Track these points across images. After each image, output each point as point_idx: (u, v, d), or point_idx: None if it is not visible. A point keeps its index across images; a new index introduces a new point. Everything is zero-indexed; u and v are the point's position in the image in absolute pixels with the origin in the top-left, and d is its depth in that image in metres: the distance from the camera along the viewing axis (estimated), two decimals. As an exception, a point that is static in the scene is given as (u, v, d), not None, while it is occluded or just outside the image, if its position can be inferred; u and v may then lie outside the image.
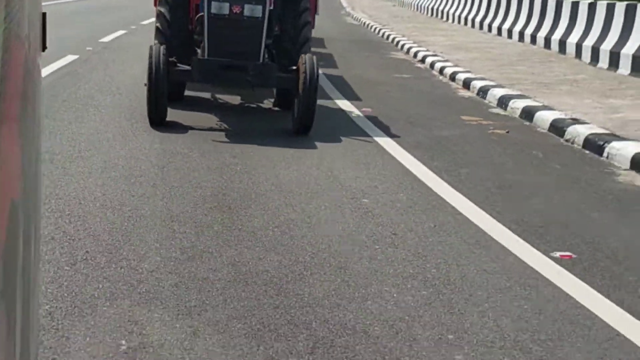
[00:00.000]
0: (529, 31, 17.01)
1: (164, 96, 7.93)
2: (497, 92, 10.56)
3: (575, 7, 14.84)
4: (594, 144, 7.87)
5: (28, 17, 1.52)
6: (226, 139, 7.54)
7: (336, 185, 6.10)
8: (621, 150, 7.46)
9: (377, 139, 7.88)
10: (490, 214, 5.56)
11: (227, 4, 8.07)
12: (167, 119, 8.02)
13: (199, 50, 8.46)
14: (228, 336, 3.46)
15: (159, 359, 3.23)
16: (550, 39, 15.76)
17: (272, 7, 8.30)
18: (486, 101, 10.63)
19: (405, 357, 3.41)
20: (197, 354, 3.27)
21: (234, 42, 8.15)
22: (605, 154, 7.62)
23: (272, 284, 4.07)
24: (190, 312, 3.68)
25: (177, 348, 3.31)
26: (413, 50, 15.91)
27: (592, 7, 14.15)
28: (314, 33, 18.02)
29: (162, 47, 8.05)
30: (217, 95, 9.85)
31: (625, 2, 13.33)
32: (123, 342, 3.34)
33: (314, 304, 3.87)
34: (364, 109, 9.50)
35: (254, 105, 9.62)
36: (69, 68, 11.26)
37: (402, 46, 17.00)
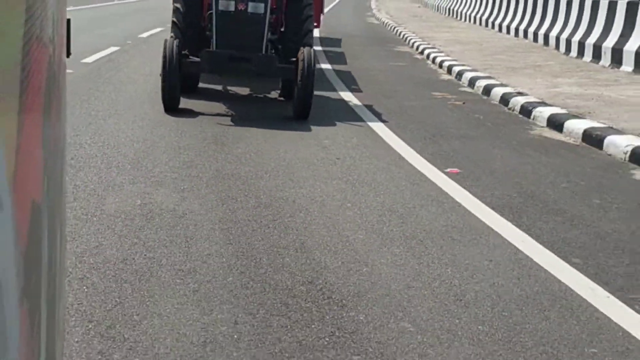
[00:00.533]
0: (522, 27, 19.17)
1: (177, 85, 8.82)
2: (469, 75, 12.77)
3: (557, 4, 16.96)
4: (526, 109, 10.07)
5: (52, 21, 1.53)
6: (231, 123, 8.63)
7: (320, 148, 8.36)
8: (542, 113, 9.65)
9: (357, 110, 10.10)
10: (420, 154, 7.74)
11: (233, 2, 8.97)
12: (181, 106, 8.99)
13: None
14: (207, 200, 5.77)
15: (159, 207, 5.54)
16: (537, 33, 17.91)
17: (274, 6, 9.39)
18: (460, 82, 12.84)
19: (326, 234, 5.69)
20: (182, 208, 5.57)
21: (239, 36, 9.00)
22: (532, 116, 9.82)
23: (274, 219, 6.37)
24: (183, 191, 6.01)
25: (171, 205, 5.61)
26: (417, 44, 18.14)
27: (569, 5, 16.26)
28: (332, 33, 20.29)
29: (175, 41, 8.93)
30: (228, 87, 10.93)
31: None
32: (138, 201, 5.66)
33: (297, 229, 6.17)
34: (353, 87, 11.75)
35: (261, 96, 10.69)
36: (111, 56, 13.69)
37: (409, 41, 19.25)
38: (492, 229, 5.46)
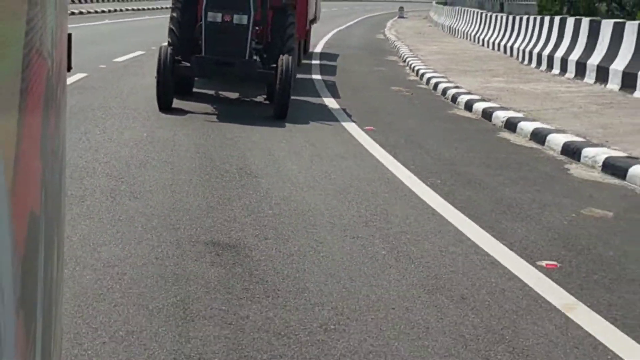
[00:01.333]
0: (497, 40, 22.35)
1: (170, 87, 9.83)
2: (428, 75, 15.96)
3: (526, 24, 20.06)
4: (454, 97, 13.23)
5: (52, 35, 1.56)
6: (216, 120, 9.91)
7: (290, 137, 11.57)
8: (463, 99, 12.82)
9: (325, 99, 13.26)
10: (352, 119, 10.90)
11: (220, 14, 10.05)
12: (174, 106, 10.04)
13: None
14: (181, 164, 9.00)
15: (159, 141, 8.77)
16: (506, 45, 21.08)
17: (258, 18, 10.53)
18: (420, 81, 16.03)
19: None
20: (175, 144, 8.78)
21: (225, 43, 10.02)
22: (457, 102, 12.99)
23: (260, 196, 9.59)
24: (171, 164, 9.24)
25: (163, 158, 8.82)
26: (403, 54, 21.39)
27: (527, 21, 19.39)
28: (335, 46, 23.48)
29: (169, 48, 10.04)
30: (220, 92, 12.16)
31: (549, 16, 18.58)
32: (145, 134, 8.88)
33: (265, 196, 9.40)
34: (326, 77, 14.91)
35: (248, 99, 11.98)
36: (126, 62, 16.20)
37: (399, 51, 22.49)
38: (377, 159, 8.66)
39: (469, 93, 13.31)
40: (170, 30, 10.87)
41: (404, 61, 20.07)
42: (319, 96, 13.00)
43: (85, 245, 5.00)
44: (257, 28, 10.68)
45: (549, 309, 4.46)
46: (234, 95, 12.12)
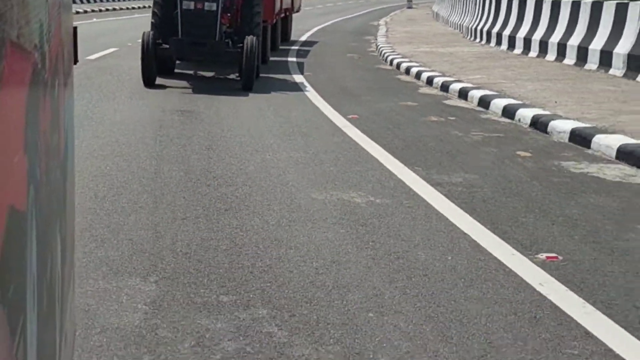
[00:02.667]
0: (457, 21, 27.06)
1: (153, 65, 11.64)
2: (381, 46, 20.89)
3: (477, 3, 24.77)
4: (386, 57, 18.19)
5: (41, 29, 1.55)
6: (191, 92, 11.87)
7: (256, 110, 16.53)
8: (390, 58, 17.78)
9: (295, 76, 18.26)
10: (306, 78, 15.90)
11: (193, 2, 11.63)
12: (157, 83, 11.88)
13: None
14: (166, 118, 14.05)
15: (143, 105, 13.84)
16: (461, 24, 25.81)
17: (228, 5, 12.15)
18: (375, 51, 21.00)
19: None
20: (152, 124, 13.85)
21: (197, 27, 11.66)
22: (386, 60, 17.94)
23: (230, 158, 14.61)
24: (160, 125, 14.35)
25: (156, 122, 13.85)
26: (378, 34, 26.31)
27: (483, 3, 23.84)
28: (314, 35, 28.38)
29: (151, 32, 11.85)
30: (198, 72, 14.13)
31: None
32: (131, 100, 14.01)
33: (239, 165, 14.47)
34: (306, 73, 19.95)
35: (222, 77, 13.86)
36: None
37: (376, 33, 27.44)
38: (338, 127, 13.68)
39: (398, 55, 18.26)
40: (153, 16, 12.76)
41: (375, 39, 24.99)
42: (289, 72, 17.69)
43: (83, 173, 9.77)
44: (228, 14, 12.64)
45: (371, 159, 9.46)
46: (209, 74, 14.22)
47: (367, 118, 10.20)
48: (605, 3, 14.32)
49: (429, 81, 13.90)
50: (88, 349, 3.53)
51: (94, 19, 31.37)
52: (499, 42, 19.86)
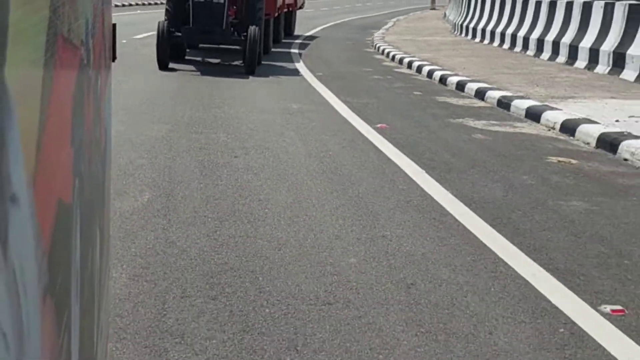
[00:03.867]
0: (451, 18, 31.40)
1: (166, 51, 13.08)
2: (375, 38, 25.32)
3: (472, 3, 29.07)
4: (375, 45, 22.64)
5: (87, 25, 1.59)
6: (199, 74, 13.37)
7: (258, 90, 21.06)
8: (378, 45, 22.22)
9: (295, 61, 22.74)
10: (313, 73, 20.35)
11: None
12: (170, 67, 13.33)
13: None
14: (178, 96, 18.58)
15: (156, 84, 18.37)
16: (455, 22, 30.15)
17: None
18: (370, 41, 25.42)
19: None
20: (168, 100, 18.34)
21: (207, 17, 13.05)
22: (375, 47, 22.38)
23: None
24: (172, 96, 18.89)
25: (168, 97, 18.37)
26: (382, 29, 30.72)
27: (483, 3, 28.24)
28: (325, 29, 32.80)
29: (165, 22, 13.12)
30: (206, 59, 15.70)
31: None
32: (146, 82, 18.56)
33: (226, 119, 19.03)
34: (308, 61, 24.42)
35: (227, 64, 15.27)
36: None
37: (373, 36, 31.85)
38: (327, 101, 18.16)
39: (383, 42, 22.69)
40: (166, 9, 14.19)
41: (372, 43, 29.38)
42: (290, 58, 22.46)
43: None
44: (234, 7, 14.30)
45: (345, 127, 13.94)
46: (216, 61, 15.75)
47: (329, 75, 14.69)
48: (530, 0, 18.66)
49: (392, 57, 18.39)
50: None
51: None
52: (467, 34, 24.27)
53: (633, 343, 3.72)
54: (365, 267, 4.56)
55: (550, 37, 16.75)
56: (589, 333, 3.81)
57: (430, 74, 14.63)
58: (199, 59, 15.79)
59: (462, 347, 3.62)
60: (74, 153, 1.38)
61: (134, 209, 5.48)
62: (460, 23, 26.85)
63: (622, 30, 13.55)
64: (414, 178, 6.75)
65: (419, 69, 15.56)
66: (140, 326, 3.65)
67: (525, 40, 18.17)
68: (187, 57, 15.26)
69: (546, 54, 16.83)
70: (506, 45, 19.70)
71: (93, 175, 1.77)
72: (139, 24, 24.19)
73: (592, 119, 9.11)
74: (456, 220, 5.53)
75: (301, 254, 4.71)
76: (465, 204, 5.94)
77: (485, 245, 5.01)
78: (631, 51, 13.08)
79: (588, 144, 8.43)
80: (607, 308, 4.10)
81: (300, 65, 16.57)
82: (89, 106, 1.66)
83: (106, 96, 2.24)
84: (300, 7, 27.23)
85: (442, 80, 13.76)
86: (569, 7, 16.16)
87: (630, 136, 8.08)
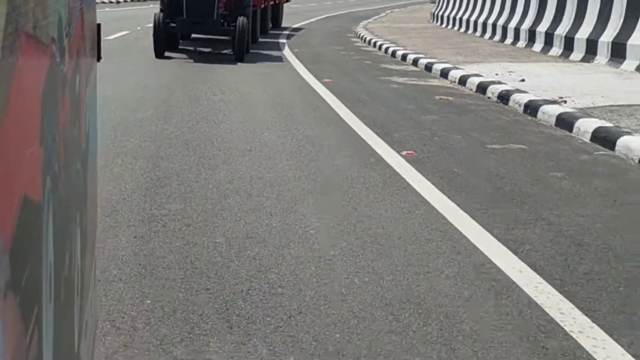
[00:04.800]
0: (434, 11, 34.63)
1: (162, 40, 14.47)
2: (359, 29, 28.58)
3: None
4: (357, 34, 25.92)
5: (60, 22, 1.57)
6: (192, 62, 14.71)
7: (242, 69, 24.38)
8: (364, 37, 25.49)
9: (284, 52, 25.99)
10: (291, 50, 23.63)
11: None
12: (165, 55, 14.75)
13: None
14: (174, 77, 21.89)
15: (153, 70, 21.65)
16: (435, 13, 33.41)
17: None
18: (354, 32, 28.69)
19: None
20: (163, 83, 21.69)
21: (199, 9, 14.56)
22: (357, 36, 25.67)
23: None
24: (166, 76, 22.19)
25: (162, 81, 21.69)
26: (370, 19, 33.98)
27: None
28: (319, 21, 36.10)
29: (161, 14, 14.50)
30: (198, 48, 17.08)
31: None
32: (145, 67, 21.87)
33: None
34: (291, 46, 27.69)
35: (217, 52, 16.61)
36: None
37: (368, 19, 35.14)
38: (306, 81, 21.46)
39: (365, 29, 25.95)
40: (161, 1, 15.44)
41: (355, 32, 32.67)
42: (279, 48, 25.74)
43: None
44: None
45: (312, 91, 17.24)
46: (207, 49, 17.09)
47: (304, 53, 17.97)
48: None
49: (363, 39, 21.68)
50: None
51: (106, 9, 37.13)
52: (438, 21, 27.58)
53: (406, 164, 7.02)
54: (276, 132, 7.86)
55: (500, 22, 19.96)
56: (387, 160, 7.10)
57: (386, 50, 17.95)
58: (191, 48, 17.14)
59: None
60: (43, 151, 1.36)
61: (143, 118, 8.80)
62: (435, 12, 30.12)
63: (535, 14, 16.92)
64: (333, 106, 10.04)
65: (380, 47, 18.88)
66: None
67: (483, 25, 21.35)
68: (180, 47, 16.59)
69: (493, 35, 20.12)
70: (465, 30, 22.94)
71: (71, 176, 1.74)
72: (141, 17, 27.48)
73: (481, 74, 12.36)
74: (348, 125, 8.80)
75: (242, 133, 8.02)
76: (358, 117, 9.22)
77: (361, 138, 8.26)
78: (539, 29, 16.37)
79: (471, 90, 11.70)
80: (404, 152, 7.40)
81: (284, 47, 19.70)
82: (64, 106, 1.63)
83: (87, 96, 2.20)
84: (287, 0, 29.25)
85: (392, 53, 17.06)
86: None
87: (498, 83, 11.34)
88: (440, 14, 28.35)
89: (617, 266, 4.54)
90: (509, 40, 18.24)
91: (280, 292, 4.01)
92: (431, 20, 30.27)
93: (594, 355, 3.45)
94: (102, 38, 2.63)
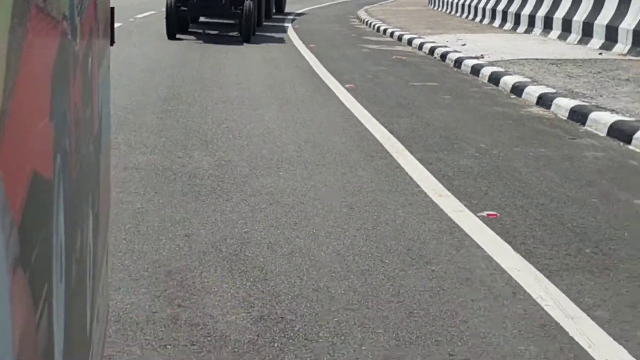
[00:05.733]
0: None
1: (174, 24, 15.74)
2: (360, 13, 31.69)
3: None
4: (359, 18, 29.03)
5: (71, 1, 1.56)
6: (202, 42, 16.01)
7: (249, 50, 27.52)
8: (362, 17, 28.58)
9: (289, 33, 29.09)
10: (296, 33, 26.74)
11: None
12: (177, 37, 16.05)
13: None
14: (187, 55, 25.07)
15: (167, 50, 24.85)
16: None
17: None
18: (354, 16, 31.78)
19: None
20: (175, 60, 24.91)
21: None
22: (361, 20, 28.76)
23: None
24: (178, 54, 25.37)
25: (174, 59, 24.89)
26: (371, 6, 37.01)
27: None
28: (302, 8, 39.14)
29: None
30: (206, 31, 18.16)
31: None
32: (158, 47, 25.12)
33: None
34: (296, 26, 30.81)
35: (224, 35, 17.76)
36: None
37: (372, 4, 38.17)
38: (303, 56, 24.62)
39: (366, 13, 29.00)
40: None
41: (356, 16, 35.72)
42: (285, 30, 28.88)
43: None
44: None
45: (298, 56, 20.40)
46: (214, 32, 18.21)
47: (306, 31, 21.09)
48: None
49: (361, 20, 24.81)
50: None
51: None
52: (433, 5, 30.63)
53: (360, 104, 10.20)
54: (260, 82, 11.02)
55: (473, 3, 22.98)
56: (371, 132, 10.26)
57: (373, 26, 21.11)
58: (200, 31, 18.16)
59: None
60: (54, 127, 1.34)
61: (167, 65, 11.99)
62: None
63: None
64: (310, 63, 13.19)
65: (369, 24, 22.04)
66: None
67: (462, 6, 24.37)
68: (190, 30, 17.62)
69: (468, 14, 23.15)
70: (450, 11, 25.99)
71: (82, 155, 1.73)
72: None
73: (437, 42, 15.45)
74: (315, 73, 11.94)
75: (236, 75, 11.18)
76: (325, 68, 12.34)
77: (322, 79, 11.36)
78: (499, 8, 19.47)
79: (425, 52, 14.81)
80: (347, 85, 10.54)
81: (288, 28, 22.80)
82: (74, 84, 1.62)
83: (101, 80, 2.17)
84: None
85: (377, 29, 20.23)
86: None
87: (443, 47, 14.43)
88: (436, -1, 31.42)
89: (447, 133, 7.67)
90: (478, 18, 21.34)
91: (239, 141, 7.18)
92: (428, 4, 33.26)
93: (392, 152, 6.63)
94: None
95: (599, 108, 8.48)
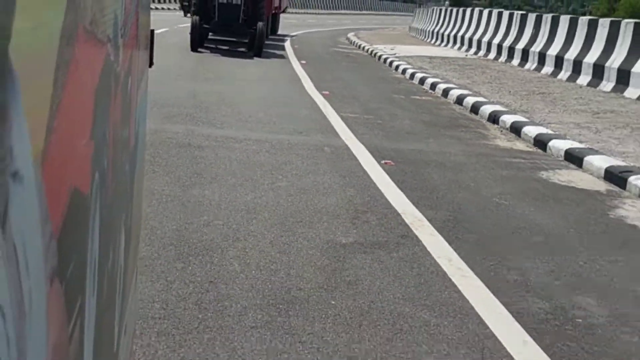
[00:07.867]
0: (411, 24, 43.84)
1: (197, 39, 18.70)
2: (348, 34, 37.91)
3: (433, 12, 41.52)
4: (350, 40, 35.25)
5: (116, 21, 1.63)
6: (217, 55, 18.94)
7: (258, 66, 33.66)
8: (351, 39, 34.80)
9: (287, 50, 35.18)
10: (291, 46, 32.92)
11: None
12: (198, 50, 19.03)
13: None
14: (200, 64, 31.24)
15: (189, 57, 31.03)
16: (411, 26, 42.60)
17: (245, 1, 19.47)
18: (350, 45, 37.99)
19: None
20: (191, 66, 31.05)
21: (228, 14, 18.99)
22: (350, 42, 34.95)
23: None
24: (196, 60, 31.53)
25: (191, 65, 31.06)
26: (364, 29, 43.27)
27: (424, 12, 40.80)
28: (298, 31, 45.39)
29: (197, 17, 18.69)
30: (218, 46, 20.95)
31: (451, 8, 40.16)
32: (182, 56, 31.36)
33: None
34: (295, 46, 36.88)
35: (234, 50, 20.60)
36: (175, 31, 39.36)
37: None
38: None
39: (353, 34, 35.17)
40: (194, 5, 20.16)
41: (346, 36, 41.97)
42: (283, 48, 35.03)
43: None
44: (246, 7, 19.87)
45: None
46: (225, 47, 21.13)
47: (302, 48, 27.30)
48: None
49: (351, 42, 31.11)
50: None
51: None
52: (411, 31, 37.00)
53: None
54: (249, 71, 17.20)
55: (428, 28, 29.31)
56: (323, 107, 16.47)
57: (357, 45, 27.49)
58: (213, 45, 21.22)
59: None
60: (94, 146, 1.39)
61: (190, 66, 18.24)
62: (411, 26, 39.60)
63: (441, 22, 26.53)
64: (294, 67, 19.35)
65: (353, 43, 28.38)
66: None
67: (424, 31, 30.68)
68: (205, 45, 20.59)
69: (425, 37, 29.54)
70: (417, 35, 32.25)
71: (119, 174, 1.79)
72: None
73: (384, 50, 21.81)
74: (295, 68, 18.19)
75: (234, 70, 17.39)
76: (299, 63, 18.53)
77: (295, 71, 17.50)
78: (441, 31, 26.22)
79: (369, 54, 21.19)
80: (303, 61, 16.75)
81: (287, 45, 29.02)
82: (115, 105, 1.67)
83: (139, 101, 2.23)
84: (283, 11, 34.44)
85: (360, 47, 26.62)
86: (461, 16, 28.52)
87: (382, 51, 20.79)
88: (411, 25, 37.83)
89: (368, 105, 13.84)
90: (428, 39, 28.04)
91: (224, 98, 13.36)
92: (411, 33, 39.64)
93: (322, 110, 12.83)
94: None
95: (437, 78, 14.74)
